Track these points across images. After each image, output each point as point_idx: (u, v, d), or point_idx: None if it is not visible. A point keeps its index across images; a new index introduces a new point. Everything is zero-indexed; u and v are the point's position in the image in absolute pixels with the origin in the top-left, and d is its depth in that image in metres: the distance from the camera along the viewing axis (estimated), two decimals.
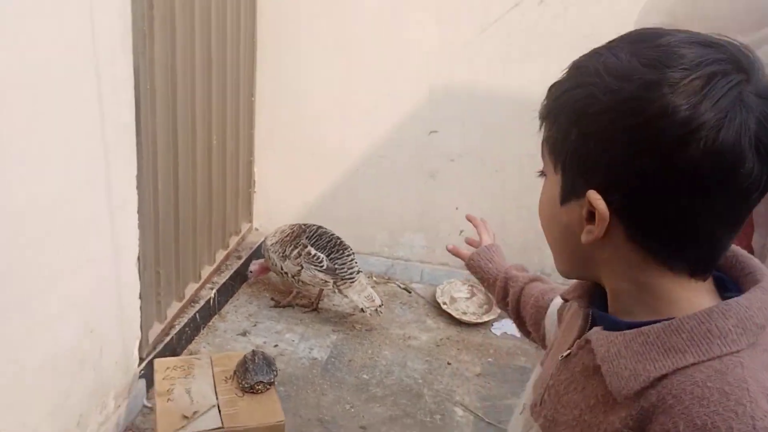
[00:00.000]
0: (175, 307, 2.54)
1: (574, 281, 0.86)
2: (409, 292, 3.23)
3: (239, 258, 3.11)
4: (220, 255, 2.98)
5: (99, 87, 1.76)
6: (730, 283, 0.73)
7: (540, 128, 0.78)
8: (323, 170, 3.23)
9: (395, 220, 3.25)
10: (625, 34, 0.71)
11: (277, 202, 3.33)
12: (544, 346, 1.12)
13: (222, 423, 1.80)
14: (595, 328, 0.75)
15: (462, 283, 3.20)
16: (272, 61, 3.07)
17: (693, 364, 0.65)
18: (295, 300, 3.01)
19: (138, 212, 2.08)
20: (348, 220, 3.25)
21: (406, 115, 3.07)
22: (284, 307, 2.99)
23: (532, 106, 3.03)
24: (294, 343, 2.76)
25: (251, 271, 3.05)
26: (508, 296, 1.20)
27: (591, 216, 0.70)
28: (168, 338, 2.42)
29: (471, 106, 2.97)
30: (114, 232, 1.96)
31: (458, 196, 3.15)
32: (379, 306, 2.82)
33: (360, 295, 2.82)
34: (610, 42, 0.71)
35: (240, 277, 3.07)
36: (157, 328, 2.37)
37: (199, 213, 2.66)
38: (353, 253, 2.91)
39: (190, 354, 2.54)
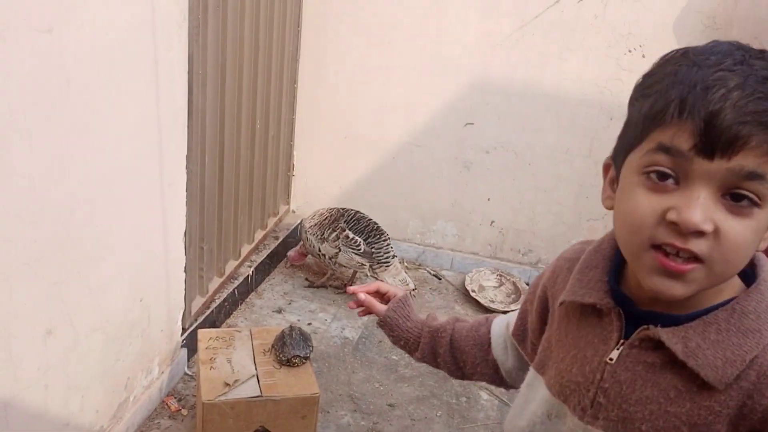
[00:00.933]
0: (216, 282, 2.65)
1: (575, 286, 0.88)
2: (439, 279, 3.30)
3: (276, 238, 3.20)
4: (259, 235, 3.08)
5: (157, 71, 1.86)
6: None
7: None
8: (360, 157, 3.30)
9: (428, 208, 3.32)
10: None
11: (314, 187, 3.41)
12: (501, 381, 1.13)
13: (261, 392, 1.90)
14: (654, 328, 0.79)
15: (491, 272, 3.26)
16: (315, 50, 3.15)
17: None
18: (329, 281, 3.10)
19: (186, 190, 2.18)
20: (382, 206, 3.33)
21: (444, 106, 3.13)
22: (318, 287, 3.08)
23: (568, 102, 3.14)
24: (327, 322, 2.85)
25: (289, 255, 3.14)
26: (440, 348, 1.16)
27: None
28: (209, 311, 2.53)
29: (507, 100, 3.02)
30: (164, 208, 2.06)
31: (491, 188, 3.20)
32: (413, 290, 2.90)
33: (395, 278, 2.90)
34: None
35: (276, 257, 3.17)
36: (198, 301, 2.48)
37: (241, 194, 2.76)
38: (389, 238, 2.98)
39: (229, 327, 2.64)
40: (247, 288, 2.89)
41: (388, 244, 2.96)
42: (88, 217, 1.69)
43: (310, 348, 2.05)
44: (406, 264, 3.38)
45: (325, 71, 3.18)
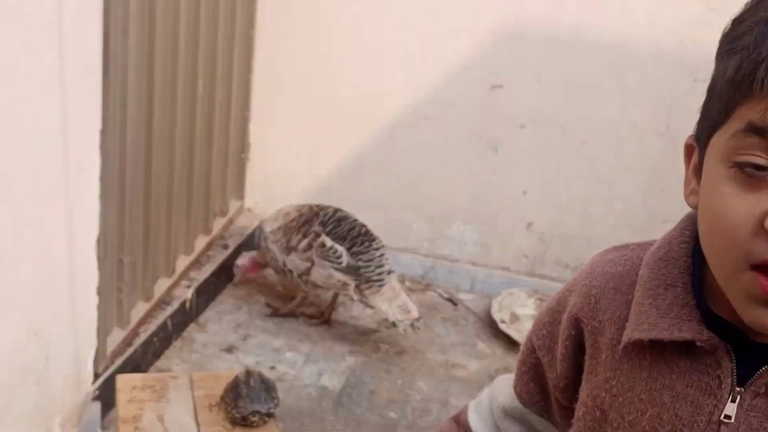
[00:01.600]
0: (142, 308, 2.67)
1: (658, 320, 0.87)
2: (455, 305, 3.33)
3: (225, 247, 3.22)
4: (201, 242, 3.10)
5: (60, 12, 1.87)
6: None
7: None
8: (344, 134, 3.32)
9: (439, 205, 3.35)
10: None
11: (279, 176, 3.43)
12: None
13: None
14: None
15: (528, 295, 3.29)
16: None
17: None
18: (299, 308, 3.11)
19: (100, 180, 2.19)
20: (375, 203, 3.35)
21: (460, 62, 3.15)
22: (285, 316, 3.09)
23: (636, 58, 3.18)
24: (297, 365, 2.86)
25: (238, 266, 3.16)
26: None
27: None
28: (131, 350, 2.55)
29: (550, 54, 3.05)
30: (68, 204, 2.08)
31: (527, 177, 3.23)
32: (417, 319, 2.92)
33: (391, 303, 2.92)
34: None
35: (226, 274, 3.19)
36: (117, 336, 2.50)
37: (177, 185, 2.78)
38: (383, 247, 3.00)
39: (160, 372, 2.65)
40: (185, 317, 2.91)
41: (382, 255, 2.98)
42: None
43: (276, 401, 2.07)
44: (408, 283, 3.40)
45: (296, 13, 3.19)
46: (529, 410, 1.06)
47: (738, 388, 0.82)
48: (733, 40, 0.76)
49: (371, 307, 2.95)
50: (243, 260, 3.16)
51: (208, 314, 3.06)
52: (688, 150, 0.85)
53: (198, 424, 2.02)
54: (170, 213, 2.77)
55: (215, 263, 3.12)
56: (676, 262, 0.88)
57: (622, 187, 3.17)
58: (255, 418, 2.03)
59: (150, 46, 2.40)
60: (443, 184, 3.32)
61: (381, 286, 2.93)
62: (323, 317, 3.10)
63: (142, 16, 2.32)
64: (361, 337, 3.06)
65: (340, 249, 2.93)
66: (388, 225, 3.35)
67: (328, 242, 2.94)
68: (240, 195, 3.44)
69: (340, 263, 2.91)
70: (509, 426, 1.09)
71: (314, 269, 2.93)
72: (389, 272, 2.97)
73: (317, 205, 3.09)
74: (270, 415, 2.06)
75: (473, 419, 1.13)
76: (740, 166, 0.73)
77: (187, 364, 2.78)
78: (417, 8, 3.10)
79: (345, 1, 3.15)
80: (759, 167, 0.72)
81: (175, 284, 2.90)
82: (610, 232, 3.20)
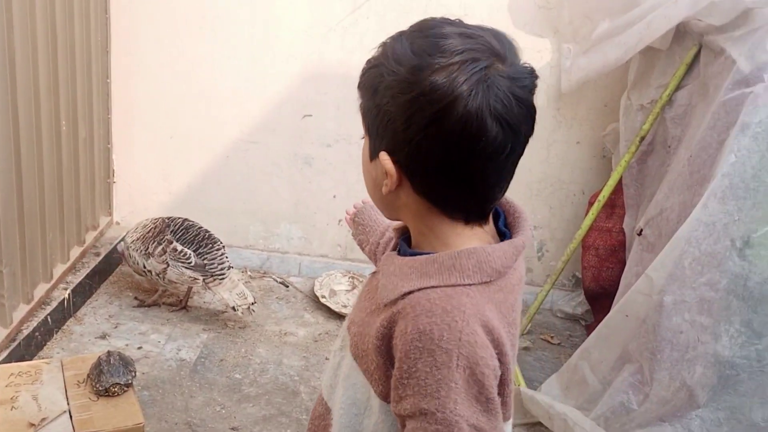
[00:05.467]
0: (23, 309, 2.53)
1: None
2: (287, 287, 3.33)
3: (98, 255, 3.11)
4: (76, 252, 2.97)
5: None
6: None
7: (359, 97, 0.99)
8: (190, 157, 3.26)
9: (270, 210, 3.34)
10: (415, 23, 0.93)
11: (141, 194, 3.34)
12: None
13: (74, 428, 1.84)
14: (388, 252, 1.00)
15: (342, 275, 3.33)
16: (128, 40, 3.08)
17: (433, 287, 0.91)
18: (161, 299, 3.04)
19: None
20: (219, 211, 3.31)
21: (278, 97, 3.15)
22: (149, 306, 3.01)
23: None
24: (160, 344, 2.80)
25: (120, 252, 3.07)
26: None
27: (386, 172, 0.94)
28: (14, 344, 2.42)
29: (345, 88, 3.10)
30: None
31: (336, 184, 3.27)
32: (252, 304, 2.91)
33: (231, 292, 2.89)
34: (406, 29, 0.93)
35: (99, 276, 3.08)
36: (0, 334, 2.36)
37: (48, 206, 2.65)
38: (223, 247, 2.97)
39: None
40: (64, 314, 2.78)
41: (223, 254, 2.95)
42: None
43: (133, 373, 2.02)
44: (249, 273, 3.38)
45: (143, 63, 3.12)
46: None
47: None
48: None
49: (217, 295, 2.91)
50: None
51: (85, 310, 2.94)
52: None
53: (68, 399, 1.95)
54: (45, 229, 2.64)
55: (89, 268, 3.00)
56: None
57: None
58: (116, 389, 1.98)
59: (12, 94, 2.28)
60: (272, 193, 3.31)
61: (222, 278, 2.90)
62: (181, 305, 3.04)
63: (3, 67, 2.20)
64: (212, 318, 3.02)
65: (189, 252, 2.88)
66: (231, 228, 3.33)
67: (179, 247, 2.88)
68: (109, 212, 3.33)
69: (190, 263, 2.86)
70: None
71: (169, 269, 2.87)
72: (229, 267, 2.94)
73: (168, 218, 3.03)
74: (129, 385, 2.01)
75: None
76: None
77: (67, 352, 2.66)
78: (241, 54, 3.09)
79: (182, 51, 3.09)
80: None
81: (54, 287, 2.76)
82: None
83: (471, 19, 0.93)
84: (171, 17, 3.05)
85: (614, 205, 2.89)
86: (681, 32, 2.51)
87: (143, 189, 3.33)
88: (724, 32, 2.23)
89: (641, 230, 2.51)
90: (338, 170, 3.25)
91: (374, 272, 1.05)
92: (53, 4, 2.50)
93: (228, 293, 2.89)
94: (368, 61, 0.95)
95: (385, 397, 0.95)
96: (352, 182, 3.25)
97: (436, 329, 0.87)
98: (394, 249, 1.03)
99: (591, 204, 2.88)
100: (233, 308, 2.88)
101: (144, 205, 3.34)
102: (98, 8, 2.91)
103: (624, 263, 2.71)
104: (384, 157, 0.93)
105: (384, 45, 0.93)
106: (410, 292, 0.91)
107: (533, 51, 2.90)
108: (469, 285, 0.91)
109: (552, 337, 3.12)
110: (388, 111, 0.90)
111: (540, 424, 2.46)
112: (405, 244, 1.02)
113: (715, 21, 2.24)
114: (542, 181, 3.18)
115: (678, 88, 2.50)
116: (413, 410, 0.87)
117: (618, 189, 2.80)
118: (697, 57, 2.44)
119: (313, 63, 3.08)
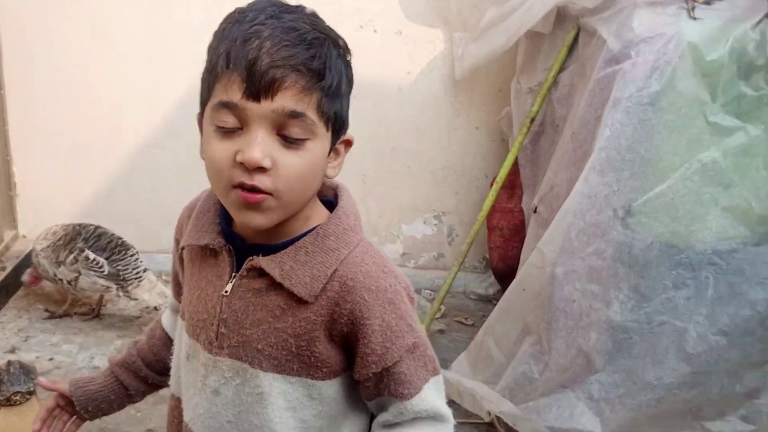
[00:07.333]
0: None
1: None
2: None
3: (4, 269, 3.05)
4: None
5: None
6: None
7: None
8: (94, 165, 3.24)
9: (178, 213, 3.31)
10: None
11: (46, 206, 3.29)
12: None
13: None
14: (256, 258, 0.97)
15: None
16: (20, 47, 3.03)
17: (347, 255, 0.96)
18: (72, 308, 3.01)
19: None
20: (128, 217, 3.28)
21: (182, 101, 3.15)
22: (61, 317, 2.98)
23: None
24: (73, 354, 2.77)
25: (24, 281, 3.01)
26: (141, 373, 1.25)
27: (337, 153, 1.00)
28: None
29: None
30: None
31: None
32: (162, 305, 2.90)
33: (151, 292, 2.88)
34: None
35: (6, 291, 3.02)
36: None
37: None
38: (137, 252, 2.95)
39: None
40: None
41: (137, 259, 2.93)
42: None
43: (33, 382, 2.01)
44: (164, 277, 3.36)
45: (37, 72, 3.07)
46: (176, 301, 1.21)
47: (234, 274, 0.99)
48: (210, 46, 0.92)
49: (135, 299, 2.90)
50: (26, 276, 3.01)
51: None
52: (199, 121, 1.01)
53: None
54: None
55: None
56: (214, 198, 1.05)
57: None
58: (17, 398, 1.98)
59: None
60: (180, 196, 3.22)
61: (140, 281, 2.88)
62: (94, 313, 3.01)
63: None
64: (127, 323, 3.00)
65: (101, 260, 2.85)
66: (142, 234, 3.30)
67: (91, 256, 2.85)
68: (13, 225, 3.28)
69: (102, 272, 2.84)
70: (171, 314, 1.25)
71: (81, 278, 2.83)
72: (144, 270, 2.91)
73: (80, 224, 2.98)
74: (31, 393, 2.00)
75: (164, 317, 1.28)
76: (219, 127, 0.91)
77: None
78: (137, 57, 3.07)
79: (78, 60, 3.06)
80: (228, 128, 0.90)
81: None
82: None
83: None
84: (64, 26, 3.02)
85: (514, 186, 3.00)
86: (562, 16, 2.62)
87: (48, 200, 3.28)
88: (596, 14, 2.34)
89: (536, 207, 2.61)
90: None
91: (231, 290, 0.99)
92: None
93: (148, 294, 2.87)
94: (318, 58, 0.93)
95: (336, 372, 0.99)
96: None
97: (385, 281, 0.96)
98: (251, 269, 0.98)
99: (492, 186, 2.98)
100: (155, 308, 2.87)
101: (50, 216, 3.27)
102: None
103: None
104: (348, 136, 1.01)
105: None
106: (335, 271, 0.95)
107: (426, 41, 2.98)
108: (363, 238, 1.00)
109: (466, 319, 3.21)
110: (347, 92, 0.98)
111: (490, 424, 2.46)
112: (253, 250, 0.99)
113: (588, 3, 2.36)
114: (446, 168, 3.26)
115: (561, 69, 2.61)
116: (400, 353, 0.96)
117: (515, 170, 2.90)
118: (576, 39, 2.56)
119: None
